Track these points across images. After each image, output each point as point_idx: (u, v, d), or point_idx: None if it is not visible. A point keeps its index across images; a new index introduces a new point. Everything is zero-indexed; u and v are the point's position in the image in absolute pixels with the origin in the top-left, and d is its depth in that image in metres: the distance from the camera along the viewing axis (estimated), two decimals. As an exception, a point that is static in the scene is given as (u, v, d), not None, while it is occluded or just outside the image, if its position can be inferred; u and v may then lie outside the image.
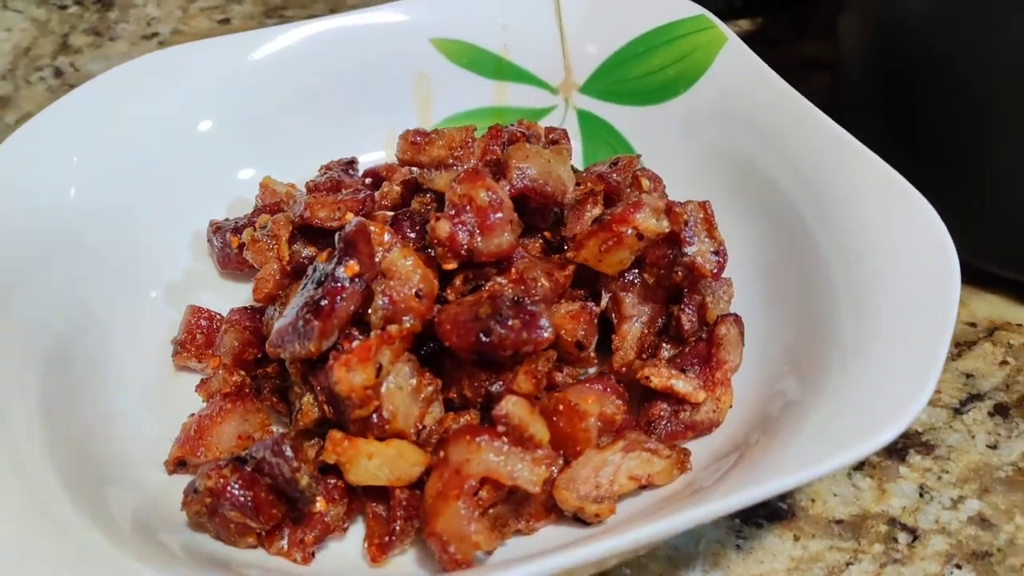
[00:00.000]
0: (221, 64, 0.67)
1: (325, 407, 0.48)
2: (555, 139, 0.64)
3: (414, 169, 0.60)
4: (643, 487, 0.50)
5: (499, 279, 0.52)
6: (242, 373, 0.54)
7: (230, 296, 0.62)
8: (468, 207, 0.52)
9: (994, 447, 0.56)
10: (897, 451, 0.56)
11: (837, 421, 0.45)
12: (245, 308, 0.58)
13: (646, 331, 0.55)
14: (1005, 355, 0.61)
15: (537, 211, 0.56)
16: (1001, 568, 0.51)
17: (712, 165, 0.63)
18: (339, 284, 0.47)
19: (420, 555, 0.49)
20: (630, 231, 0.52)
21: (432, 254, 0.52)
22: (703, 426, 0.53)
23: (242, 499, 0.47)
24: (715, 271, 0.54)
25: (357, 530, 0.50)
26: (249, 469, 0.47)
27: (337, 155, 0.67)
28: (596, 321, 0.54)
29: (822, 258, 0.54)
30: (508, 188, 0.53)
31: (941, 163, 0.62)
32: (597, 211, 0.56)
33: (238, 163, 0.67)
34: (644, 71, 0.68)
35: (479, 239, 0.51)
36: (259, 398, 0.54)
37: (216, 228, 0.63)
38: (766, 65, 0.63)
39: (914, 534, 0.52)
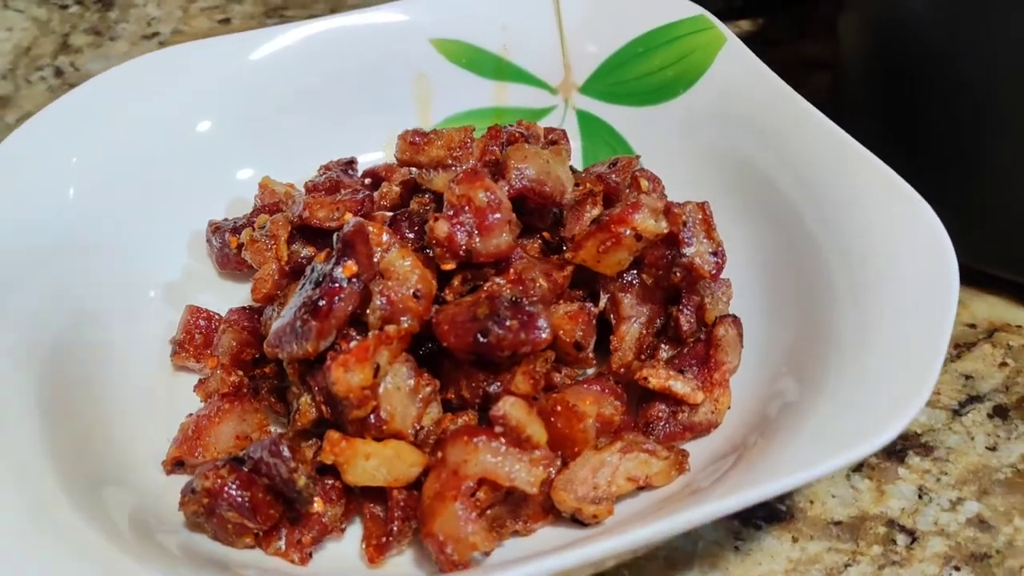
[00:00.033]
0: (221, 64, 0.67)
1: (323, 407, 0.48)
2: (554, 139, 0.64)
3: (413, 169, 0.60)
4: (641, 488, 0.50)
5: (497, 280, 0.52)
6: (240, 373, 0.54)
7: (229, 296, 0.62)
8: (466, 207, 0.52)
9: (993, 449, 0.56)
10: (896, 452, 0.56)
11: (836, 422, 0.45)
12: (244, 308, 0.58)
13: (644, 332, 0.55)
14: (1005, 357, 0.61)
15: (536, 212, 0.56)
16: (1000, 570, 0.50)
17: (711, 166, 0.63)
18: (337, 284, 0.47)
19: (418, 556, 0.49)
20: (628, 232, 0.52)
21: (431, 254, 0.52)
22: (701, 427, 0.53)
23: (239, 499, 0.47)
24: (713, 272, 0.54)
25: (355, 531, 0.50)
26: (246, 469, 0.47)
27: (337, 155, 0.67)
28: (594, 322, 0.54)
29: (821, 259, 0.54)
30: (507, 189, 0.53)
31: (941, 163, 0.62)
32: (596, 212, 0.56)
33: (237, 163, 0.67)
34: (644, 72, 0.68)
35: (477, 240, 0.51)
36: (257, 398, 0.54)
37: (215, 228, 0.63)
38: (765, 66, 0.63)
39: (913, 536, 0.52)
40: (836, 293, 0.52)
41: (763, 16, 0.91)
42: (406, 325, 0.49)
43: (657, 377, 0.52)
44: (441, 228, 0.51)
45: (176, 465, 0.52)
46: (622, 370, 0.54)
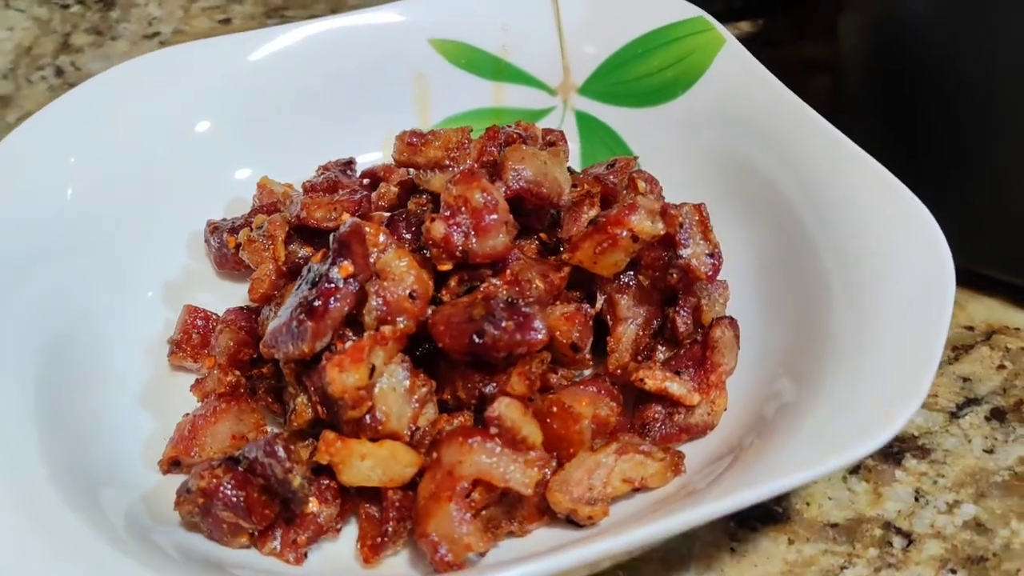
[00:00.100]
0: (221, 64, 0.67)
1: (318, 408, 0.48)
2: (552, 140, 0.64)
3: (412, 170, 0.60)
4: (637, 489, 0.50)
5: (494, 280, 0.52)
6: (237, 373, 0.55)
7: (226, 296, 0.62)
8: (463, 208, 0.52)
9: (990, 451, 0.56)
10: (893, 455, 0.56)
11: (832, 423, 0.45)
12: (241, 308, 0.58)
13: (641, 333, 0.55)
14: (1002, 359, 0.61)
15: (533, 213, 0.56)
16: (996, 573, 0.50)
17: (710, 167, 0.63)
18: (333, 285, 0.47)
19: (413, 556, 0.49)
20: (625, 233, 0.52)
21: (427, 255, 0.52)
22: (697, 429, 0.53)
23: (234, 499, 0.47)
24: (710, 274, 0.54)
25: (350, 531, 0.50)
26: (242, 469, 0.47)
27: (336, 155, 0.67)
28: (591, 323, 0.54)
29: (818, 261, 0.54)
30: (504, 189, 0.53)
31: (941, 164, 0.62)
32: (593, 213, 0.56)
33: (236, 163, 0.67)
34: (642, 73, 0.68)
35: (474, 240, 0.51)
36: (254, 398, 0.54)
37: (213, 228, 0.63)
38: (764, 67, 0.63)
39: (909, 538, 0.52)
40: (832, 294, 0.52)
41: (763, 17, 0.91)
42: (402, 326, 0.49)
43: (653, 378, 0.52)
44: (438, 229, 0.51)
45: (172, 465, 0.52)
46: (618, 371, 0.54)
